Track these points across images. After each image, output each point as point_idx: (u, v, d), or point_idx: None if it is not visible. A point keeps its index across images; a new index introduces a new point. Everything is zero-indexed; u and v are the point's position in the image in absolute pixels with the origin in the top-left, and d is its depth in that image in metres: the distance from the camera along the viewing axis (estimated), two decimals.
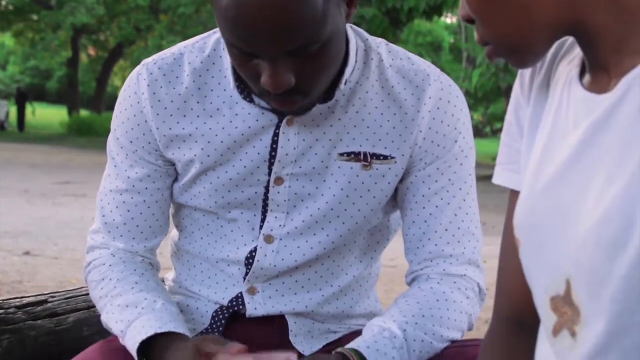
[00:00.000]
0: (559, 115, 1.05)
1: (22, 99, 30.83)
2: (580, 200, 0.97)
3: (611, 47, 0.97)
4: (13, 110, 32.33)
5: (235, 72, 1.46)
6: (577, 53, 1.07)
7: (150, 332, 1.40)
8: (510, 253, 1.15)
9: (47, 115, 39.08)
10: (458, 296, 1.48)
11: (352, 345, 1.40)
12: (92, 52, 36.67)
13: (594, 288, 0.95)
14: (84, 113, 33.34)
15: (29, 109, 31.38)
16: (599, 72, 1.00)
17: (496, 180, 1.19)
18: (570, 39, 1.10)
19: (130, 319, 1.45)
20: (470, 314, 1.50)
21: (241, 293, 1.55)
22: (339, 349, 1.40)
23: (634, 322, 0.93)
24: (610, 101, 0.96)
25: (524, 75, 1.15)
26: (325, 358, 1.39)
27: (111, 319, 1.49)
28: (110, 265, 1.55)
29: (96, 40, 34.21)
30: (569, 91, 1.04)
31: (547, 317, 1.05)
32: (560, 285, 1.00)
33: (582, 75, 1.05)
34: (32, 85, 53.01)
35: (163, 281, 1.71)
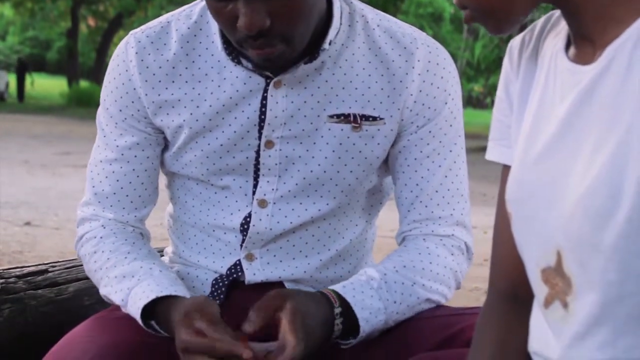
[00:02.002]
0: (547, 88, 1.06)
1: (22, 69, 30.71)
2: (568, 172, 0.98)
3: (594, 15, 0.98)
4: (12, 81, 32.21)
5: (223, 34, 1.47)
6: (563, 26, 1.07)
7: (152, 296, 1.41)
8: (504, 227, 1.16)
9: (46, 85, 38.99)
10: (442, 251, 1.51)
11: (329, 287, 1.44)
12: (91, 22, 36.52)
13: (584, 258, 0.96)
14: (83, 84, 33.26)
15: (28, 79, 31.27)
16: (583, 43, 1.01)
17: (489, 156, 1.20)
18: (556, 13, 1.10)
19: (130, 286, 1.46)
20: (456, 270, 1.53)
21: (239, 260, 1.56)
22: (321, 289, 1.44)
23: (626, 292, 0.93)
24: (594, 72, 0.96)
25: (512, 49, 1.16)
26: (306, 292, 1.41)
27: (110, 291, 1.50)
28: (101, 237, 1.55)
29: (95, 10, 34.07)
30: (555, 63, 1.05)
31: (539, 289, 1.05)
32: (551, 257, 1.01)
33: (567, 47, 1.05)
34: (31, 56, 52.87)
35: (162, 254, 1.72)
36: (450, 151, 1.54)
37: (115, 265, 1.51)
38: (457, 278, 1.53)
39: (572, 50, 1.04)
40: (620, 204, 0.90)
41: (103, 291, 1.52)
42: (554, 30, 1.10)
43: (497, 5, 1.02)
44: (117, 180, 1.57)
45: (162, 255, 1.70)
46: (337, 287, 1.43)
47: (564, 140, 0.99)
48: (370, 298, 1.42)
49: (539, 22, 1.13)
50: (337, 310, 1.39)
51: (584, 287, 0.97)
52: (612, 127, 0.92)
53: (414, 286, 1.46)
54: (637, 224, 0.90)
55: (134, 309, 1.43)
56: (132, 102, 1.53)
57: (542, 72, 1.08)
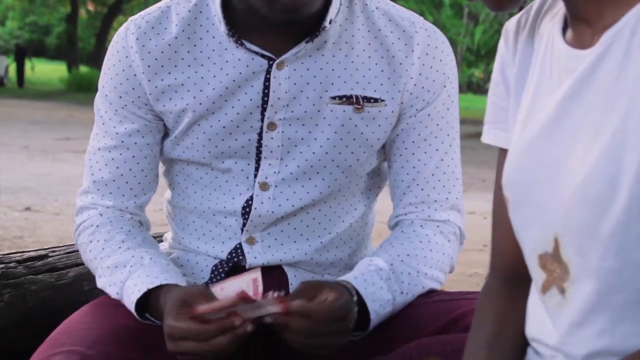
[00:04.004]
0: (544, 71, 1.05)
1: (21, 54, 30.71)
2: (566, 158, 0.97)
3: None
4: (12, 66, 32.19)
5: (224, 17, 1.47)
6: (560, 7, 1.06)
7: (143, 289, 1.41)
8: (502, 210, 1.16)
9: (46, 71, 38.94)
10: (440, 239, 1.53)
11: (340, 278, 1.44)
12: (90, 7, 36.48)
13: (582, 246, 0.96)
14: (83, 69, 33.20)
15: (27, 64, 31.25)
16: (581, 26, 1.00)
17: (484, 139, 1.20)
18: None
19: (122, 279, 1.46)
20: (452, 256, 1.55)
21: (240, 244, 1.56)
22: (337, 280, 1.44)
23: (624, 280, 0.93)
24: (592, 57, 0.96)
25: (508, 32, 1.15)
26: (324, 283, 1.40)
27: (105, 283, 1.50)
28: (97, 226, 1.55)
29: None
30: (551, 46, 1.04)
31: (536, 274, 1.05)
32: (549, 243, 1.01)
33: (564, 29, 1.04)
34: (30, 41, 52.80)
35: (160, 239, 1.72)
36: (447, 135, 1.55)
37: (109, 255, 1.51)
38: (452, 263, 1.56)
39: (569, 33, 1.03)
40: (619, 193, 0.90)
41: (99, 283, 1.52)
42: (551, 11, 1.09)
43: None
44: (117, 168, 1.56)
45: (161, 242, 1.70)
46: (348, 278, 1.43)
47: (561, 126, 0.99)
48: (380, 290, 1.42)
49: (535, 3, 1.12)
50: (354, 298, 1.39)
51: (582, 274, 0.97)
52: (609, 114, 0.92)
53: (418, 276, 1.48)
54: (635, 212, 0.90)
55: (129, 303, 1.44)
56: (133, 88, 1.53)
57: (538, 54, 1.07)
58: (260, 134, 1.50)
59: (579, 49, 0.99)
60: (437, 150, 1.54)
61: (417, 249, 1.50)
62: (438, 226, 1.54)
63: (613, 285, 0.94)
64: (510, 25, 1.15)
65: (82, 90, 26.50)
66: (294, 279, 1.56)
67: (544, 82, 1.04)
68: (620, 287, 0.94)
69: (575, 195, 0.95)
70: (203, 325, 1.28)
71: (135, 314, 1.43)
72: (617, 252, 0.92)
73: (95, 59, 32.42)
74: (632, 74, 0.90)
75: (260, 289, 1.34)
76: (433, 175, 1.54)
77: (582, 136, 0.96)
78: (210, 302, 1.30)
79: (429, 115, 1.53)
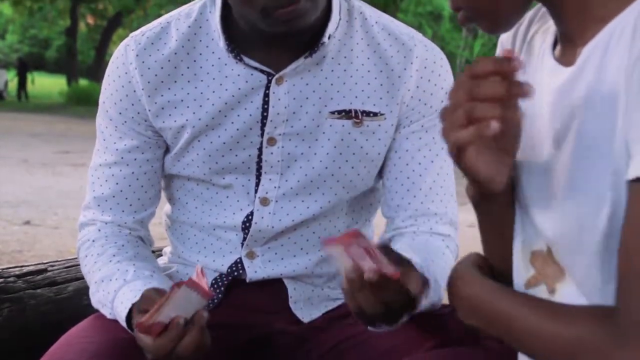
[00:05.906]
0: (533, 84, 1.06)
1: (23, 68, 30.75)
2: (550, 174, 0.98)
3: (575, 14, 0.98)
4: (13, 79, 32.22)
5: (224, 32, 1.47)
6: (552, 22, 1.07)
7: (128, 306, 1.41)
8: None
9: (46, 84, 38.98)
10: (447, 252, 1.52)
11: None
12: (90, 20, 36.54)
13: (571, 260, 0.96)
14: (82, 82, 33.21)
15: (28, 78, 31.29)
16: (568, 43, 1.01)
17: None
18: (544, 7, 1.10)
19: (110, 299, 1.46)
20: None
21: (240, 258, 1.56)
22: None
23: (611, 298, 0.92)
24: (568, 73, 0.96)
25: (504, 44, 1.16)
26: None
27: (97, 303, 1.50)
28: (93, 241, 1.56)
29: (95, 8, 34.05)
30: (542, 61, 1.05)
31: (523, 268, 1.05)
32: (543, 244, 1.02)
33: (555, 44, 1.05)
34: (30, 54, 52.87)
35: (160, 253, 1.72)
36: (442, 149, 1.52)
37: (99, 268, 1.51)
38: None
39: (558, 49, 1.04)
40: (600, 212, 0.91)
41: (93, 302, 1.52)
42: (542, 25, 1.10)
43: (489, 6, 1.02)
44: (117, 184, 1.56)
45: (160, 255, 1.70)
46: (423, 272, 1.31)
47: (547, 142, 1.00)
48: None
49: (527, 15, 1.13)
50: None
51: (577, 281, 0.97)
52: (585, 131, 0.93)
53: (437, 282, 1.39)
54: (617, 229, 0.90)
55: (121, 321, 1.43)
56: (132, 104, 1.53)
57: (529, 68, 1.08)
58: (260, 149, 1.50)
59: (564, 65, 1.00)
60: (432, 162, 1.53)
61: (435, 260, 1.43)
62: (443, 240, 1.53)
63: (602, 300, 0.94)
64: (505, 38, 1.16)
65: (81, 103, 26.48)
66: (294, 292, 1.56)
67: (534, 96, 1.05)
68: (608, 301, 0.94)
69: (565, 216, 0.95)
70: (157, 340, 1.28)
71: (129, 330, 1.42)
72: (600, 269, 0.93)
73: (95, 72, 32.45)
74: (602, 91, 0.91)
75: (206, 279, 1.31)
76: (431, 189, 1.53)
77: (563, 153, 0.96)
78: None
79: (422, 126, 1.52)
